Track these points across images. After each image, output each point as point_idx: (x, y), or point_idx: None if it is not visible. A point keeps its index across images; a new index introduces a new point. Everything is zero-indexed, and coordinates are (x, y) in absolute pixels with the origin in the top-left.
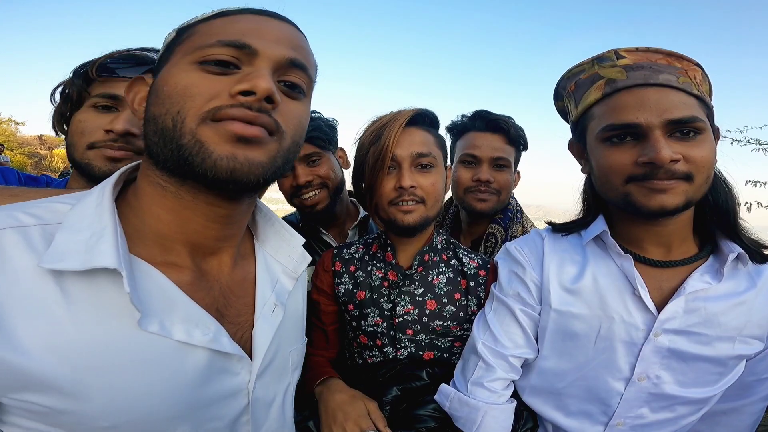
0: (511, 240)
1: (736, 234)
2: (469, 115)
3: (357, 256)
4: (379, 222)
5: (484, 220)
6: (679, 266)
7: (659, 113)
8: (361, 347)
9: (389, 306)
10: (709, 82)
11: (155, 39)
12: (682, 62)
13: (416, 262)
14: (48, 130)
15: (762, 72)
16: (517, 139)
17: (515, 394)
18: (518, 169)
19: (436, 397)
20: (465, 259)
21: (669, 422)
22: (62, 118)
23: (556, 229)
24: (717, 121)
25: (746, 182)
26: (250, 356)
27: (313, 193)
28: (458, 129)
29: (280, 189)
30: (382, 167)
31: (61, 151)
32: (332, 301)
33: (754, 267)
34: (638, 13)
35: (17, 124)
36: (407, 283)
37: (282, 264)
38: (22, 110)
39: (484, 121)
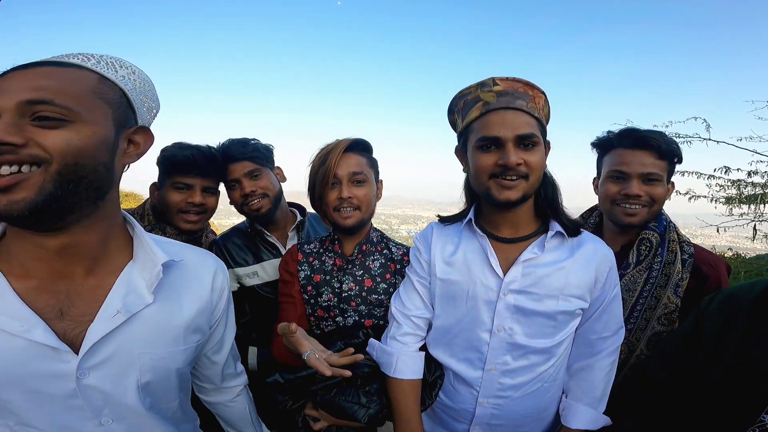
0: (668, 245)
1: (558, 217)
2: (616, 132)
3: (314, 250)
4: (328, 223)
5: (633, 229)
6: (521, 242)
7: (513, 130)
8: (318, 319)
9: (338, 285)
10: (549, 106)
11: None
12: (534, 91)
13: (356, 251)
14: None
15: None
16: (668, 154)
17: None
18: (672, 180)
19: (367, 349)
20: (394, 249)
21: (527, 369)
22: None
23: (443, 220)
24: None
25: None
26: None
27: (257, 200)
28: (605, 145)
29: (231, 201)
30: (326, 183)
31: None
32: (297, 282)
33: (576, 241)
34: (635, 13)
35: None
36: (350, 267)
37: (145, 279)
38: None
39: (631, 139)
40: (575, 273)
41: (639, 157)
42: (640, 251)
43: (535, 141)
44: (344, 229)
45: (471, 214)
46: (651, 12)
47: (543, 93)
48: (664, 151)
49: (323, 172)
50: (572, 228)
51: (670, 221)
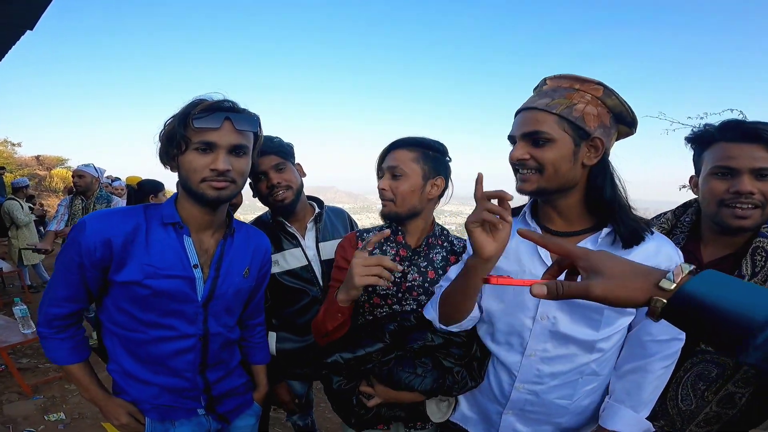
0: None
1: (613, 218)
2: (716, 124)
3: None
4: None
5: (742, 233)
6: (575, 236)
7: (521, 128)
8: (372, 306)
9: (399, 275)
10: (610, 100)
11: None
12: (583, 85)
13: (423, 243)
14: (44, 150)
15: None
16: None
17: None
18: None
19: (424, 312)
20: (455, 242)
21: (566, 358)
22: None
23: None
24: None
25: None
26: None
27: (282, 192)
28: (704, 140)
29: (256, 193)
30: (379, 176)
31: (61, 171)
32: None
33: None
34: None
35: (13, 145)
36: (415, 257)
37: None
38: (16, 132)
39: (738, 132)
40: None
41: (747, 151)
42: (755, 261)
43: (545, 137)
44: (382, 216)
45: (526, 208)
46: (665, 10)
47: (599, 85)
48: None
49: (377, 165)
50: (627, 235)
51: None
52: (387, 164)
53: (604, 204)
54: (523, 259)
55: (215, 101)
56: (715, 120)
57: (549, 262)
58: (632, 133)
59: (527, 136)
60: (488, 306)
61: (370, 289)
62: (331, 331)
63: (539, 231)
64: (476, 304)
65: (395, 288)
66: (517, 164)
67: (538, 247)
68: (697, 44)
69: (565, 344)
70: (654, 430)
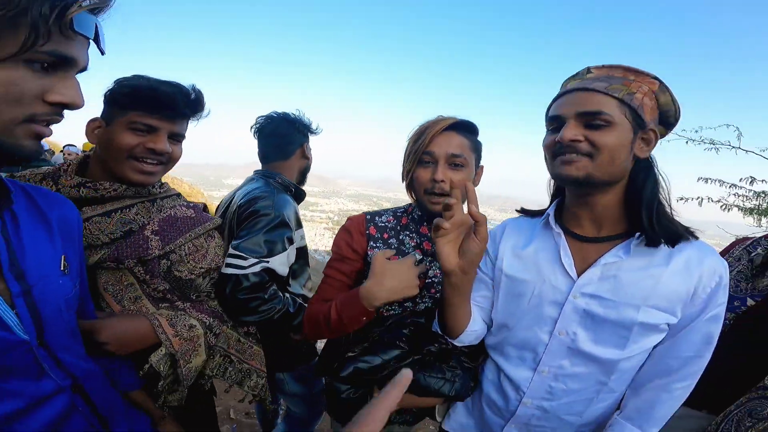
0: None
1: (649, 218)
2: None
3: (390, 225)
4: (415, 202)
5: None
6: (604, 242)
7: (575, 108)
8: None
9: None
10: (665, 96)
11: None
12: (638, 76)
13: None
14: None
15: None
16: None
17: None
18: None
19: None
20: None
21: (583, 377)
22: None
23: (524, 212)
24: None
25: (698, 179)
26: None
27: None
28: None
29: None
30: (417, 160)
31: None
32: (362, 261)
33: (677, 248)
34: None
35: None
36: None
37: None
38: None
39: None
40: (667, 282)
41: None
42: None
43: (605, 119)
44: (433, 214)
45: (551, 209)
46: (679, 13)
47: (655, 79)
48: None
49: (417, 148)
50: (662, 236)
51: None
52: (447, 150)
53: (643, 205)
54: (543, 266)
55: None
56: (711, 134)
57: (572, 272)
58: (663, 136)
59: (584, 116)
60: (500, 318)
61: None
62: (349, 332)
63: (563, 236)
64: (481, 320)
65: None
66: (566, 147)
67: (561, 253)
68: (693, 54)
69: (584, 362)
70: None
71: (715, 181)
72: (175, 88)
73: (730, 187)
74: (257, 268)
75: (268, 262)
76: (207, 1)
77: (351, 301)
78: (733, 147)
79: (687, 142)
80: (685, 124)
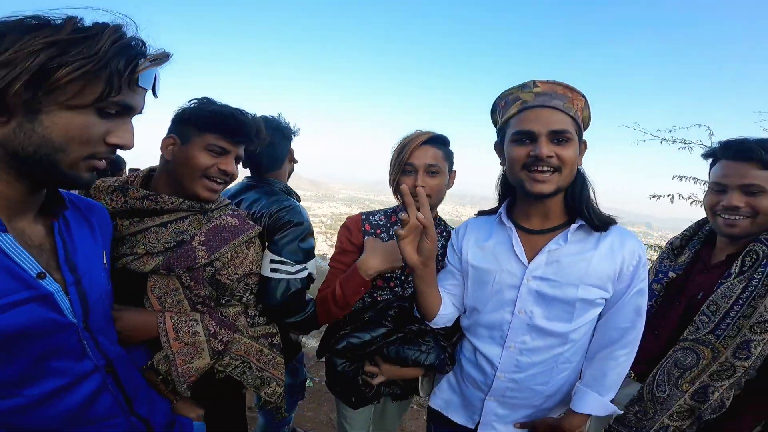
0: None
1: (585, 211)
2: (720, 143)
3: (381, 223)
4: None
5: (739, 239)
6: (548, 233)
7: (546, 125)
8: (374, 288)
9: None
10: (589, 110)
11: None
12: (573, 93)
13: None
14: None
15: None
16: None
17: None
18: None
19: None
20: (451, 231)
21: (543, 349)
22: None
23: (482, 213)
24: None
25: (672, 177)
26: None
27: None
28: (711, 157)
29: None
30: (401, 171)
31: None
32: (359, 252)
33: (603, 235)
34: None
35: None
36: None
37: None
38: None
39: (732, 150)
40: (597, 263)
41: (739, 169)
42: (744, 262)
43: (568, 137)
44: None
45: (502, 209)
46: (653, 18)
47: (583, 96)
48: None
49: (400, 160)
50: (598, 223)
51: None
52: (423, 161)
53: (581, 201)
54: (500, 256)
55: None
56: (683, 134)
57: (524, 259)
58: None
59: (554, 134)
60: (471, 303)
61: None
62: (352, 305)
63: (515, 230)
64: (452, 305)
65: (400, 271)
66: (541, 161)
67: (513, 244)
68: (666, 53)
69: (541, 336)
70: (620, 412)
71: (689, 178)
72: (246, 117)
73: (704, 184)
74: (304, 274)
75: (308, 267)
76: (200, 2)
77: (351, 275)
78: (705, 146)
79: (661, 142)
80: (660, 124)
